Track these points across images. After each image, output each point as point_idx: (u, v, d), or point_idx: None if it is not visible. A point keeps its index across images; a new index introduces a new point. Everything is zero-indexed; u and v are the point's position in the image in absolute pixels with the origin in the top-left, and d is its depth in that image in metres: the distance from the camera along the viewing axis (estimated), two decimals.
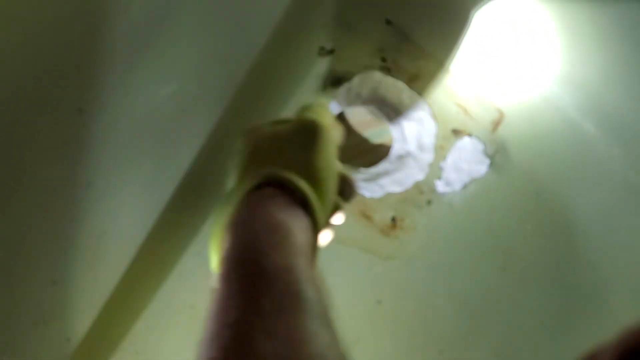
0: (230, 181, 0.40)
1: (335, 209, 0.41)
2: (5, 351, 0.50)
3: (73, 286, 0.52)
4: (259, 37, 0.52)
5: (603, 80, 0.54)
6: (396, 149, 0.56)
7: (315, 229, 0.36)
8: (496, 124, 0.56)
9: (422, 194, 0.55)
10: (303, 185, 0.36)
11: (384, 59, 0.55)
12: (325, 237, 0.41)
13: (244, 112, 0.52)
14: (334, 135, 0.43)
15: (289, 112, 0.53)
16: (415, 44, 0.56)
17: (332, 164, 0.41)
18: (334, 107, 0.55)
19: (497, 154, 0.56)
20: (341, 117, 0.56)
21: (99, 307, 0.53)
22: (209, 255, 0.36)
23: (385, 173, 0.56)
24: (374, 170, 0.56)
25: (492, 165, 0.56)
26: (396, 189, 0.55)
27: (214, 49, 0.51)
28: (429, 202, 0.55)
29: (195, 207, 0.53)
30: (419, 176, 0.55)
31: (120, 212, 0.51)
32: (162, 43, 0.48)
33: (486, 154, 0.56)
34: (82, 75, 0.46)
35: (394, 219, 0.55)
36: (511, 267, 0.56)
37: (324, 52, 0.55)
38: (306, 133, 0.41)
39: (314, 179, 0.38)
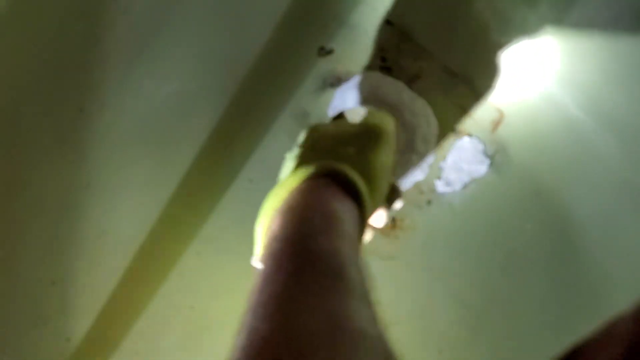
0: (286, 170, 0.41)
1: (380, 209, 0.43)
2: (5, 351, 0.50)
3: (73, 286, 0.52)
4: (259, 37, 0.52)
5: (603, 80, 0.54)
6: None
7: (363, 220, 0.38)
8: (496, 123, 0.56)
9: (422, 194, 0.55)
10: (357, 178, 0.38)
11: (384, 59, 0.55)
12: (369, 233, 0.43)
13: (244, 112, 0.52)
14: (393, 143, 0.45)
15: (288, 112, 0.53)
16: (416, 44, 0.56)
17: (386, 168, 0.43)
18: (334, 108, 0.55)
19: (497, 153, 0.56)
20: (341, 117, 0.56)
21: (99, 307, 0.53)
22: (254, 235, 0.36)
23: None
24: None
25: (492, 165, 0.56)
26: None
27: (214, 48, 0.51)
28: (429, 202, 0.55)
29: (195, 207, 0.53)
30: (419, 176, 0.55)
31: (120, 212, 0.51)
32: (163, 43, 0.48)
33: (486, 154, 0.56)
34: (83, 75, 0.46)
35: (393, 219, 0.55)
36: (511, 266, 0.56)
37: (324, 52, 0.55)
38: (369, 135, 0.43)
39: (368, 176, 0.40)
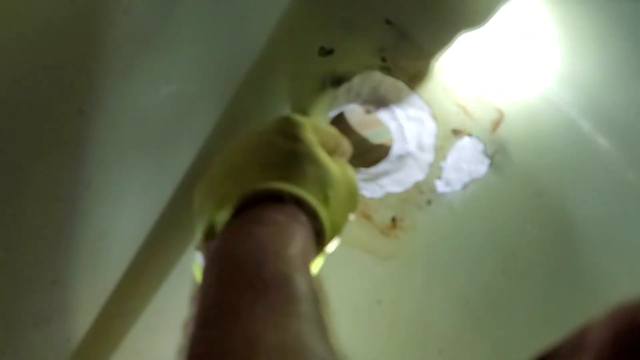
0: (201, 223, 0.36)
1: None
2: (5, 351, 0.50)
3: (73, 286, 0.52)
4: (259, 37, 0.52)
5: (603, 80, 0.54)
6: (396, 149, 0.56)
7: (318, 227, 0.34)
8: (496, 124, 0.56)
9: (422, 194, 0.55)
10: (289, 188, 0.33)
11: (384, 59, 0.55)
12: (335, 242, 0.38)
13: (244, 112, 0.52)
14: (314, 124, 0.40)
15: (289, 111, 0.53)
16: (416, 44, 0.56)
17: (322, 156, 0.37)
18: (334, 109, 0.55)
19: (497, 154, 0.56)
20: (341, 117, 0.56)
21: (99, 307, 0.53)
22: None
23: (385, 173, 0.56)
24: (373, 170, 0.56)
25: (492, 165, 0.56)
26: (396, 189, 0.55)
27: (214, 49, 0.51)
28: (429, 202, 0.55)
29: None
30: (419, 176, 0.55)
31: (120, 213, 0.51)
32: (163, 43, 0.48)
33: (486, 154, 0.56)
34: (83, 76, 0.46)
35: (393, 219, 0.55)
36: (511, 267, 0.56)
37: (323, 52, 0.55)
38: (282, 128, 0.38)
39: (304, 179, 0.35)
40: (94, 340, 0.53)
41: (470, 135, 0.56)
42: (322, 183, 0.35)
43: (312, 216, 0.34)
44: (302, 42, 0.54)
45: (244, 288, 0.28)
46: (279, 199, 0.33)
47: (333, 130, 0.43)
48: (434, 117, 0.56)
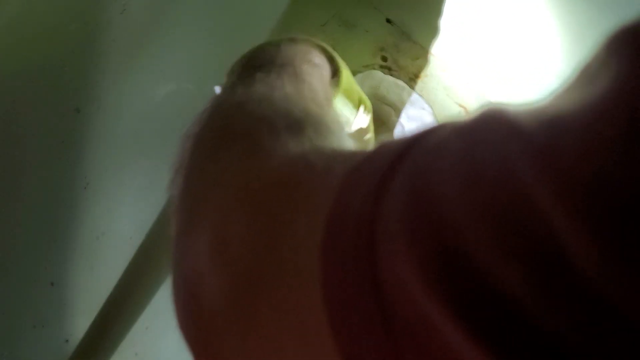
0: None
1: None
2: (4, 353, 0.50)
3: (71, 287, 0.51)
4: (258, 36, 0.51)
5: None
6: None
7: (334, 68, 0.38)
8: None
9: None
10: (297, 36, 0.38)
11: (384, 58, 0.55)
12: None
13: None
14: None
15: None
16: (416, 43, 0.55)
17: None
18: None
19: None
20: None
21: (98, 309, 0.52)
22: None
23: None
24: None
25: None
26: None
27: (213, 47, 0.51)
28: None
29: None
30: None
31: (118, 213, 0.51)
32: (160, 42, 0.48)
33: None
34: (79, 75, 0.45)
35: None
36: None
37: None
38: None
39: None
40: (92, 342, 0.53)
41: None
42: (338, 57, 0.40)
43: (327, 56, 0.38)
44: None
45: (261, 70, 0.31)
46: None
47: None
48: (435, 116, 0.55)
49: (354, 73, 0.54)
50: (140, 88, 0.48)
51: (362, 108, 0.43)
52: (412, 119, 0.55)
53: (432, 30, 0.55)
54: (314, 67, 0.35)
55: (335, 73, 0.39)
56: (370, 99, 0.55)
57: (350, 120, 0.43)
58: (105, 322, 0.53)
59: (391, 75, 0.55)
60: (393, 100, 0.55)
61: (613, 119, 0.12)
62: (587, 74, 0.15)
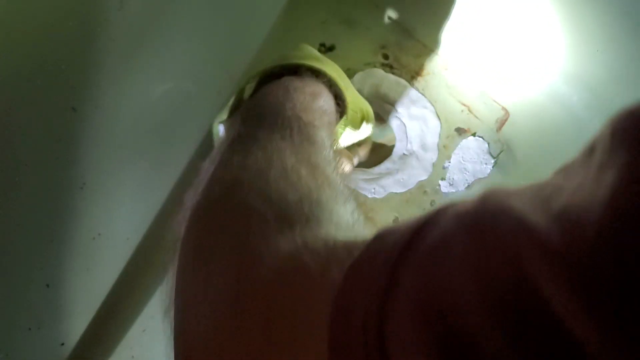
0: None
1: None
2: None
3: (67, 289, 0.51)
4: (258, 34, 0.50)
5: (611, 78, 0.52)
6: (399, 149, 0.55)
7: (339, 103, 0.37)
8: (501, 122, 0.55)
9: (426, 195, 0.54)
10: (320, 66, 0.37)
11: (386, 56, 0.54)
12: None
13: None
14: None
15: None
16: (418, 41, 0.55)
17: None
18: None
19: (502, 153, 0.54)
20: None
21: (94, 311, 0.52)
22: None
23: (388, 173, 0.54)
24: (376, 170, 0.55)
25: (497, 165, 0.54)
26: (399, 189, 0.54)
27: (211, 46, 0.50)
28: (432, 203, 0.54)
29: None
30: (422, 176, 0.54)
31: (115, 213, 0.50)
32: (158, 41, 0.47)
33: (491, 153, 0.54)
34: (76, 74, 0.45)
35: (396, 221, 0.54)
36: None
37: (324, 48, 0.54)
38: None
39: (333, 69, 0.38)
40: (88, 345, 0.52)
41: (474, 134, 0.54)
42: (341, 75, 0.40)
43: (332, 90, 0.37)
44: (302, 38, 0.53)
45: (265, 126, 0.30)
46: (298, 74, 0.36)
47: None
48: (438, 115, 0.54)
49: (355, 71, 0.54)
50: (138, 87, 0.47)
51: (364, 125, 0.42)
52: (414, 118, 0.55)
53: (434, 28, 0.54)
54: (322, 116, 0.34)
55: (343, 111, 0.38)
56: (371, 97, 0.55)
57: (352, 139, 0.43)
58: (101, 324, 0.52)
59: (393, 73, 0.54)
60: (394, 99, 0.55)
61: (624, 226, 0.13)
62: (593, 159, 0.16)
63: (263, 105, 0.33)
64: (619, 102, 0.52)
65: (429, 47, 0.55)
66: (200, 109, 0.50)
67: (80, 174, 0.48)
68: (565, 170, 0.17)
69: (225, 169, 0.29)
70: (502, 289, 0.14)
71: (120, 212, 0.50)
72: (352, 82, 0.53)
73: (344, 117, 0.38)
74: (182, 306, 0.27)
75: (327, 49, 0.53)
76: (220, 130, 0.38)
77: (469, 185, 0.54)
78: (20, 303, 0.50)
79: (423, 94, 0.55)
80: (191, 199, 0.30)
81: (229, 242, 0.25)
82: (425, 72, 0.55)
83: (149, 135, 0.49)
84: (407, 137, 0.55)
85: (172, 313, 0.28)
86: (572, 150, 0.57)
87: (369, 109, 0.43)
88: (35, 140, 0.47)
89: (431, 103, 0.54)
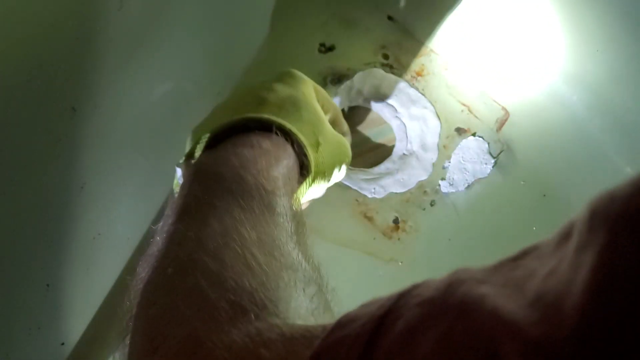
0: (188, 145, 0.37)
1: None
2: None
3: (67, 290, 0.50)
4: (258, 34, 0.50)
5: (611, 79, 0.52)
6: (399, 149, 0.55)
7: (303, 163, 0.35)
8: (501, 122, 0.55)
9: (426, 195, 0.54)
10: (281, 121, 0.34)
11: (386, 56, 0.54)
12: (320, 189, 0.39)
13: None
14: (316, 85, 0.41)
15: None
16: (418, 41, 0.55)
17: (317, 107, 0.38)
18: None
19: (502, 153, 0.54)
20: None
21: (94, 311, 0.52)
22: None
23: (388, 173, 0.54)
24: (376, 170, 0.54)
25: (497, 165, 0.54)
26: (399, 189, 0.54)
27: (211, 46, 0.50)
28: (432, 203, 0.54)
29: None
30: (422, 176, 0.54)
31: (115, 214, 0.50)
32: (158, 41, 0.47)
33: (491, 153, 0.54)
34: (75, 74, 0.45)
35: (396, 220, 0.54)
36: None
37: (324, 48, 0.54)
38: (285, 75, 0.39)
39: (297, 120, 0.35)
40: (88, 345, 0.52)
41: (474, 134, 0.54)
42: (314, 128, 0.36)
43: (300, 152, 0.35)
44: (302, 39, 0.53)
45: (224, 192, 0.29)
46: (269, 129, 0.34)
47: (334, 103, 0.44)
48: (438, 115, 0.54)
49: (355, 71, 0.54)
50: (137, 87, 0.47)
51: (335, 172, 0.39)
52: (414, 118, 0.54)
53: (434, 29, 0.54)
54: (285, 183, 0.32)
55: (308, 170, 0.36)
56: (371, 97, 0.55)
57: (320, 192, 0.40)
58: (101, 324, 0.52)
59: (393, 73, 0.54)
60: (395, 99, 0.54)
61: (608, 308, 0.12)
62: (569, 243, 0.15)
63: (226, 166, 0.31)
64: (619, 102, 0.53)
65: (429, 47, 0.55)
66: (200, 109, 0.50)
67: (80, 174, 0.48)
68: (536, 253, 0.16)
69: (180, 245, 0.27)
70: None
71: (120, 212, 0.50)
72: (352, 82, 0.53)
73: (308, 178, 0.36)
74: None
75: (327, 49, 0.53)
76: (177, 173, 0.36)
77: (468, 185, 0.54)
78: (20, 303, 0.50)
79: (423, 94, 0.55)
80: (144, 269, 0.28)
81: (178, 330, 0.24)
82: (425, 72, 0.55)
83: (149, 135, 0.49)
84: (407, 137, 0.55)
85: None
86: (571, 149, 0.56)
87: (341, 152, 0.40)
88: (35, 141, 0.47)
89: (431, 103, 0.54)
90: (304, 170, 0.35)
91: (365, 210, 0.53)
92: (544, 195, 0.54)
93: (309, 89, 0.39)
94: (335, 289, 0.30)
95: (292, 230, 0.29)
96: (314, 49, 0.53)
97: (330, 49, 0.53)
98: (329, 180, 0.38)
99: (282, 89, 0.37)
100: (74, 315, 0.51)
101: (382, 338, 0.17)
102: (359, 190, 0.53)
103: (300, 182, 0.35)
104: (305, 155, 0.35)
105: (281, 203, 0.30)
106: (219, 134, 0.34)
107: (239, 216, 0.27)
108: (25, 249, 0.49)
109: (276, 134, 0.34)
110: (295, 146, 0.34)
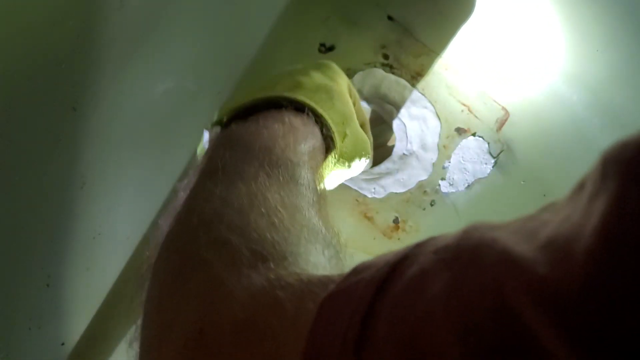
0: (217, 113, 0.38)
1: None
2: None
3: (68, 288, 0.50)
4: (258, 33, 0.50)
5: (611, 78, 0.52)
6: (399, 149, 0.55)
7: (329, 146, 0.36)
8: (501, 122, 0.55)
9: (426, 195, 0.54)
10: (314, 104, 0.35)
11: (386, 56, 0.54)
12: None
13: None
14: (350, 84, 0.42)
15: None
16: (418, 40, 0.55)
17: (349, 101, 0.39)
18: None
19: (502, 153, 0.54)
20: None
21: (95, 310, 0.52)
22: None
23: (388, 173, 0.54)
24: (375, 170, 0.55)
25: (497, 165, 0.54)
26: (399, 189, 0.54)
27: (211, 44, 0.50)
28: (432, 203, 0.54)
29: None
30: (422, 176, 0.54)
31: (116, 212, 0.50)
32: (159, 39, 0.47)
33: (491, 153, 0.54)
34: (76, 73, 0.45)
35: (396, 221, 0.54)
36: None
37: (324, 48, 0.54)
38: (323, 65, 0.40)
39: (330, 107, 0.36)
40: (89, 344, 0.52)
41: (474, 134, 0.54)
42: (344, 119, 0.37)
43: (327, 137, 0.36)
44: (302, 38, 0.53)
45: (252, 159, 0.30)
46: (301, 111, 0.35)
47: (362, 108, 0.45)
48: (438, 115, 0.54)
49: (355, 71, 0.54)
50: (138, 86, 0.47)
51: (356, 161, 0.40)
52: (414, 118, 0.55)
53: (434, 28, 0.54)
54: (311, 159, 0.33)
55: (331, 146, 0.37)
56: (371, 97, 0.55)
57: (342, 178, 0.41)
58: (102, 323, 0.52)
59: (393, 73, 0.54)
60: (395, 99, 0.55)
61: (617, 252, 0.12)
62: (582, 194, 0.15)
63: (256, 136, 0.32)
64: (619, 102, 0.53)
65: (429, 47, 0.55)
66: (201, 108, 0.50)
67: (80, 174, 0.48)
68: (552, 207, 0.17)
69: (206, 201, 0.28)
70: (482, 319, 0.14)
71: (120, 211, 0.50)
72: (352, 82, 0.53)
73: (332, 157, 0.37)
74: (146, 340, 0.27)
75: (327, 49, 0.53)
76: (205, 137, 0.37)
77: (469, 185, 0.54)
78: (20, 303, 0.50)
79: (423, 94, 0.55)
80: (167, 223, 0.29)
81: (200, 274, 0.24)
82: (425, 72, 0.55)
83: (150, 134, 0.49)
84: (407, 137, 0.55)
85: (136, 344, 0.27)
86: (572, 149, 0.56)
87: (364, 147, 0.41)
88: (35, 140, 0.47)
89: (431, 103, 0.55)
90: (328, 155, 0.37)
91: (365, 210, 0.53)
92: (544, 195, 0.54)
93: (344, 83, 0.40)
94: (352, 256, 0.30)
95: (314, 200, 0.30)
96: (314, 48, 0.53)
97: (330, 48, 0.53)
98: (349, 167, 0.40)
99: (318, 77, 0.38)
100: (74, 314, 0.51)
101: (395, 282, 0.17)
102: (359, 190, 0.53)
103: (324, 164, 0.37)
104: (332, 140, 0.36)
105: (304, 175, 0.31)
106: (251, 107, 0.35)
107: (264, 182, 0.28)
108: (25, 248, 0.49)
109: (307, 115, 0.35)
110: (324, 130, 0.36)
